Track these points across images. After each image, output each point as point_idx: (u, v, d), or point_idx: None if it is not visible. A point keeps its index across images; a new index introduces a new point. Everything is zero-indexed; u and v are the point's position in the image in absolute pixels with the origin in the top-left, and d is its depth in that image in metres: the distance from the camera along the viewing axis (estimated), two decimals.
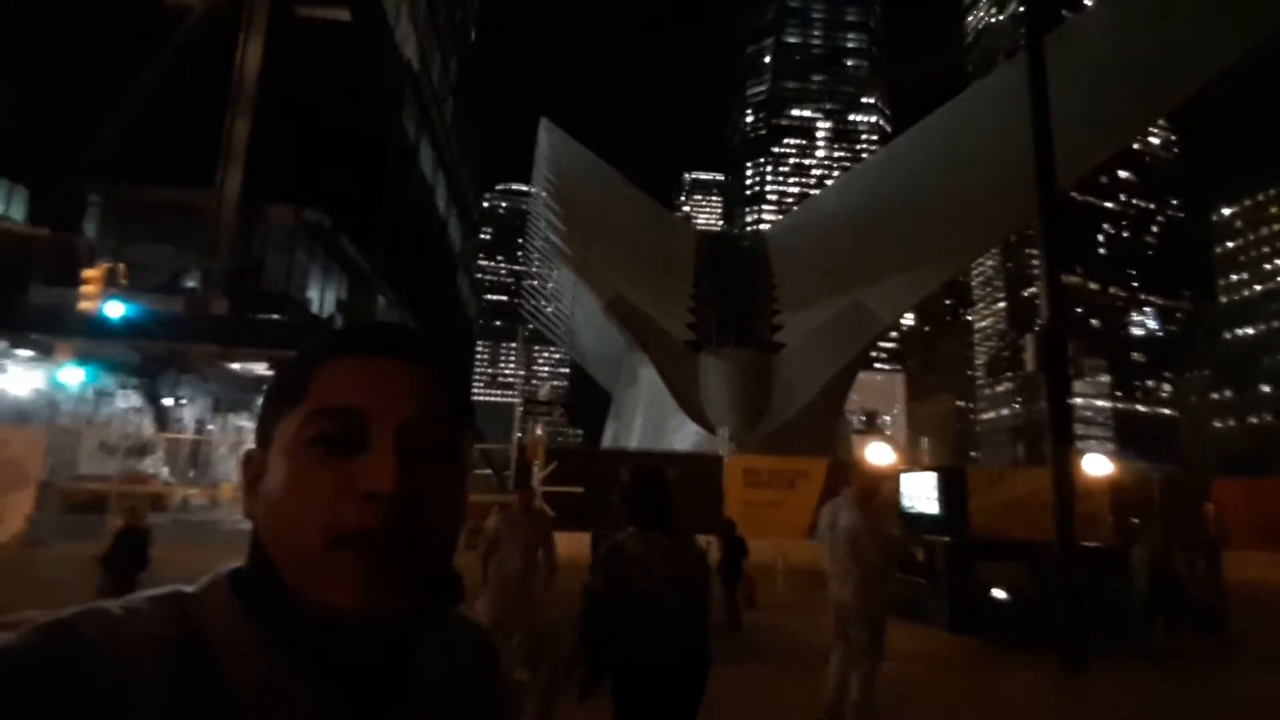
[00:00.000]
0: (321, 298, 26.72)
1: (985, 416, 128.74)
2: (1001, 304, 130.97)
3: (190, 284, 22.20)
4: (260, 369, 21.34)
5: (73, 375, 14.09)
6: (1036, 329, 8.62)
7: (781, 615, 9.19)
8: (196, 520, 15.73)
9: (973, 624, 7.99)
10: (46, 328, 16.90)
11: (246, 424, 25.23)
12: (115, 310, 11.80)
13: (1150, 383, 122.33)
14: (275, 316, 22.41)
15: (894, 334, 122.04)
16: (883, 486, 5.46)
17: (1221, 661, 7.62)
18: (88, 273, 11.60)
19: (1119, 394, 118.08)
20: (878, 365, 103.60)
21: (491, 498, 11.83)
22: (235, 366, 21.44)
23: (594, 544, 6.58)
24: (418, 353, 0.63)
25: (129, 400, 21.36)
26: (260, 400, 0.69)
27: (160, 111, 20.70)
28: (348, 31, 25.06)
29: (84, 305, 11.55)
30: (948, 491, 9.21)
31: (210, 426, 24.92)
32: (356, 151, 26.45)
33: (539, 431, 11.59)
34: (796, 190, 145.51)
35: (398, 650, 0.60)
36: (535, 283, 44.87)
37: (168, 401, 21.92)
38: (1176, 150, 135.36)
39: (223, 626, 0.55)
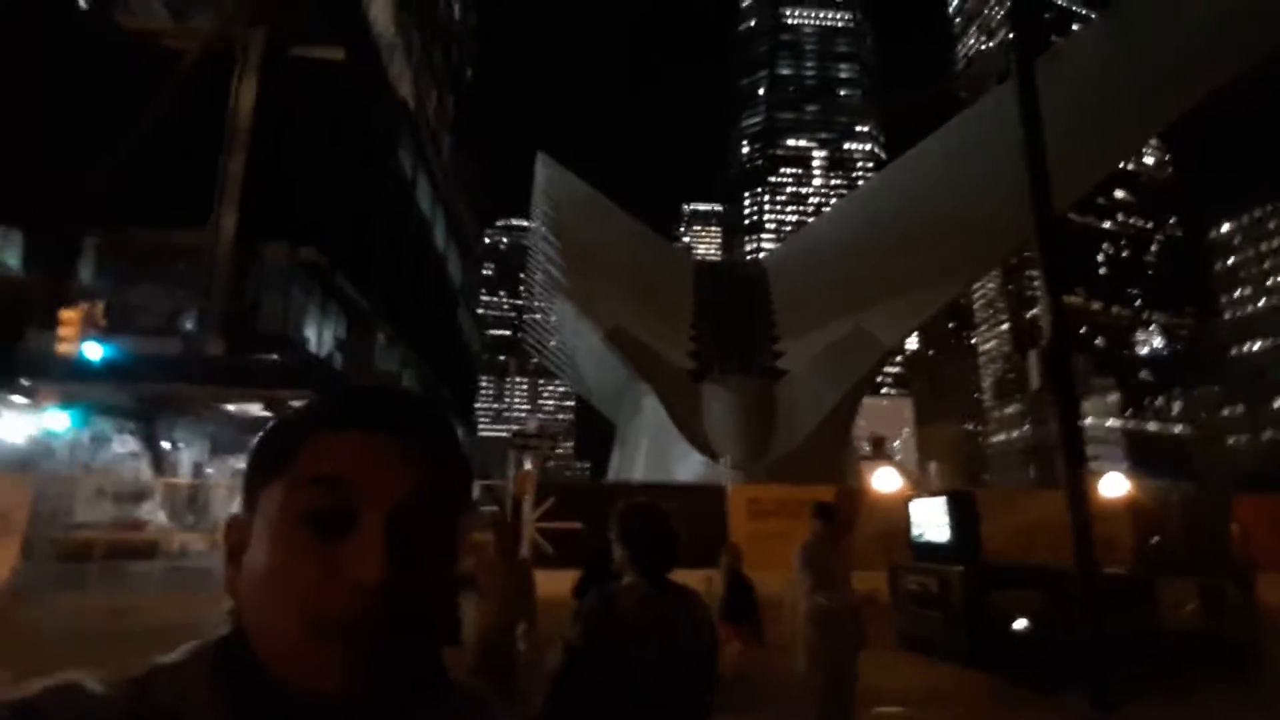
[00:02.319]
0: (319, 336, 26.55)
1: (995, 439, 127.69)
2: (1005, 326, 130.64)
3: (188, 325, 22.09)
4: (257, 409, 21.11)
5: (58, 420, 13.83)
6: (1040, 345, 8.34)
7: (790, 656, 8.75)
8: (192, 567, 15.36)
9: (992, 658, 7.56)
10: (38, 373, 16.73)
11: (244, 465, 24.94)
12: (94, 352, 11.59)
13: (1160, 400, 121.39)
14: (273, 357, 22.24)
15: (899, 359, 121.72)
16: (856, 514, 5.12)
17: (1262, 700, 7.02)
18: (65, 314, 11.43)
19: (1129, 413, 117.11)
20: (884, 390, 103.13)
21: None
22: (231, 408, 21.21)
23: (579, 587, 6.03)
24: (413, 424, 0.61)
25: (126, 445, 21.11)
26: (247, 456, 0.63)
27: (155, 153, 20.75)
28: (342, 71, 25.24)
29: (62, 348, 11.35)
30: (958, 517, 8.81)
31: (208, 469, 24.62)
32: (352, 189, 26.51)
33: (527, 466, 11.27)
34: (795, 218, 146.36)
35: None
36: (537, 316, 44.82)
37: (165, 445, 21.66)
38: (1170, 168, 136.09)
39: (198, 705, 0.53)
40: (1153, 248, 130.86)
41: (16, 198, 20.34)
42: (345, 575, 0.53)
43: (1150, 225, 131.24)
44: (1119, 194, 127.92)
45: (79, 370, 14.48)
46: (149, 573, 12.98)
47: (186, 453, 22.92)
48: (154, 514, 17.32)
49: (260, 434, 0.64)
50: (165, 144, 20.93)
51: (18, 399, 17.88)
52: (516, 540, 5.11)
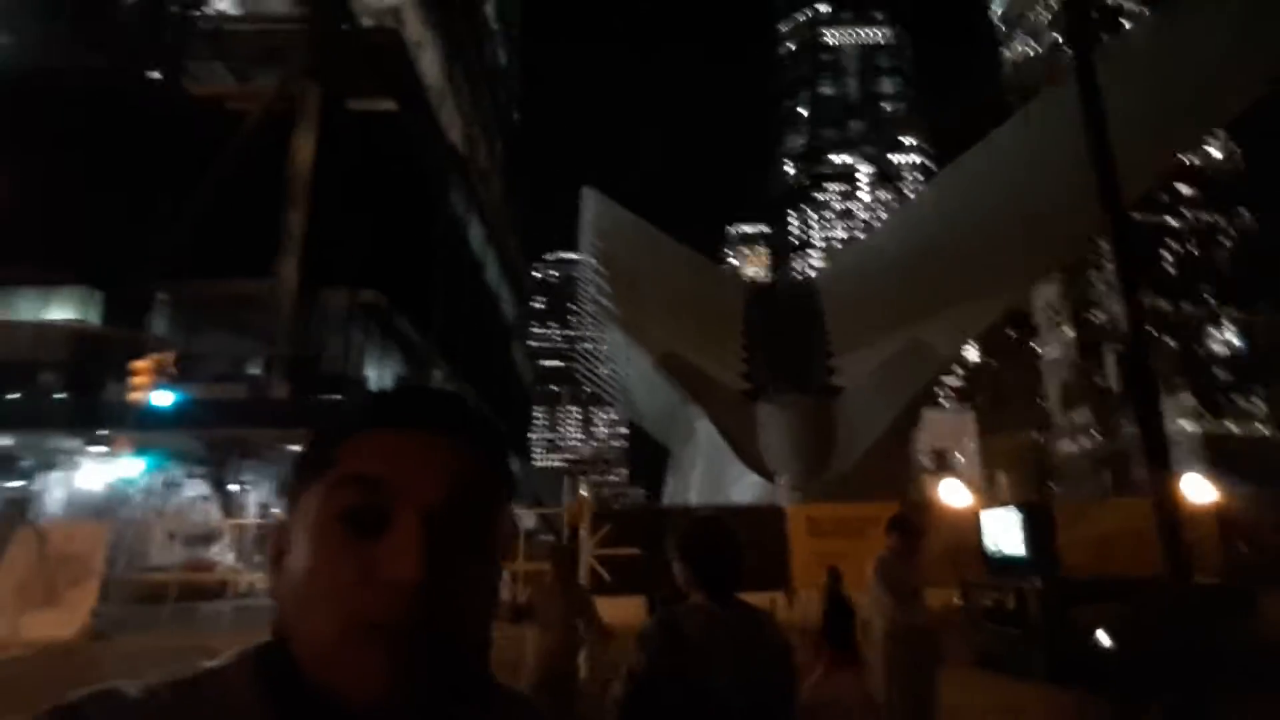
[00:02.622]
0: (379, 376, 27.29)
1: (1063, 448, 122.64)
2: (1068, 330, 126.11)
3: (253, 370, 22.95)
4: None
5: (134, 467, 14.45)
6: (1112, 350, 7.95)
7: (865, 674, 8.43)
8: (260, 605, 15.77)
9: (1073, 676, 7.14)
10: (115, 423, 17.56)
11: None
12: (164, 399, 12.10)
13: (1239, 400, 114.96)
14: (336, 397, 22.90)
15: (960, 370, 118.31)
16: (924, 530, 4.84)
17: None
18: (136, 364, 11.99)
19: (1204, 414, 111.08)
20: (944, 403, 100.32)
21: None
22: (296, 448, 21.82)
23: (650, 611, 5.91)
24: (454, 425, 0.60)
25: (196, 488, 21.90)
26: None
27: (221, 209, 21.80)
28: (395, 121, 26.20)
29: (134, 396, 11.89)
30: (1033, 529, 8.43)
31: (274, 510, 25.35)
32: (407, 233, 27.35)
33: (583, 493, 11.24)
34: (844, 235, 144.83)
35: None
36: (588, 345, 45.15)
37: (233, 487, 22.39)
38: (1240, 159, 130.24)
39: (241, 709, 0.53)
40: (1223, 241, 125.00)
41: (96, 259, 21.60)
42: (382, 575, 0.53)
43: (1219, 219, 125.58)
44: (1184, 189, 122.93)
45: (151, 418, 15.16)
46: (219, 612, 13.35)
47: (254, 494, 23.65)
48: (223, 555, 17.88)
49: (305, 442, 0.64)
50: (230, 199, 22.00)
51: (96, 449, 18.74)
52: (574, 567, 5.05)
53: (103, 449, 18.52)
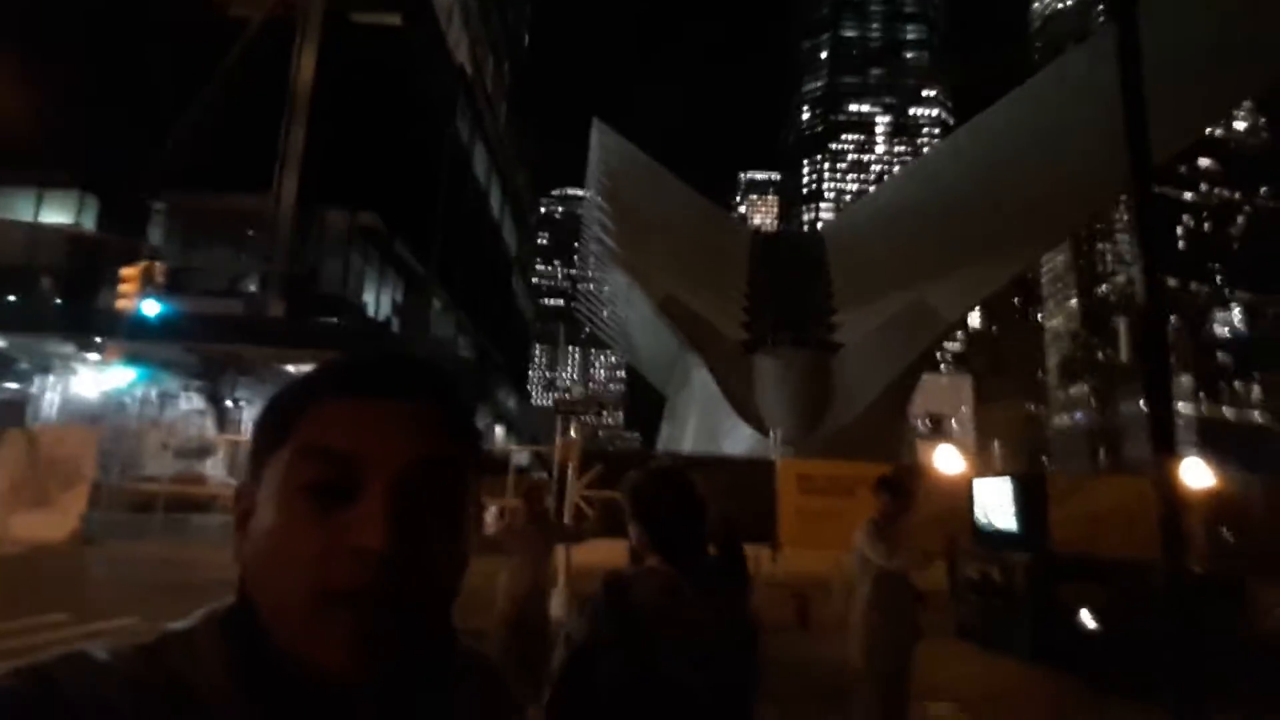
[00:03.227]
0: (377, 301, 27.01)
1: (1057, 421, 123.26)
2: (1073, 302, 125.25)
3: (250, 287, 22.67)
4: None
5: (123, 376, 14.32)
6: (1123, 322, 7.73)
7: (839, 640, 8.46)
8: None
9: (1057, 655, 7.14)
10: (111, 331, 17.38)
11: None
12: (151, 309, 11.88)
13: (1238, 385, 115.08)
14: (332, 319, 22.70)
15: (960, 335, 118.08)
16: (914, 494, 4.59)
17: None
18: (124, 271, 11.73)
19: (1202, 397, 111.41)
20: (943, 367, 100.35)
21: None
22: (291, 369, 21.72)
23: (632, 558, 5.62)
24: (418, 390, 0.60)
25: (191, 402, 21.88)
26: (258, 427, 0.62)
27: (221, 120, 21.17)
28: (400, 36, 25.26)
29: (121, 304, 11.67)
30: (1026, 502, 8.34)
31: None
32: (410, 156, 26.68)
33: (572, 433, 11.17)
34: (855, 187, 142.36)
35: (390, 706, 0.57)
36: (590, 286, 44.74)
37: (228, 403, 22.37)
38: (1265, 134, 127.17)
39: (207, 673, 0.54)
40: (1239, 220, 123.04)
41: (94, 165, 21.11)
42: (350, 543, 0.52)
43: (1238, 196, 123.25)
44: (1204, 162, 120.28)
45: (143, 328, 14.98)
46: (208, 525, 13.40)
47: (248, 411, 23.67)
48: (215, 469, 17.96)
49: (268, 402, 0.62)
50: (231, 111, 21.33)
51: (91, 356, 18.62)
52: (545, 504, 5.05)
53: (96, 356, 18.41)
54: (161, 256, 19.50)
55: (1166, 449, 6.20)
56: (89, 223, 21.99)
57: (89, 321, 18.43)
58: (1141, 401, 6.89)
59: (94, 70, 21.08)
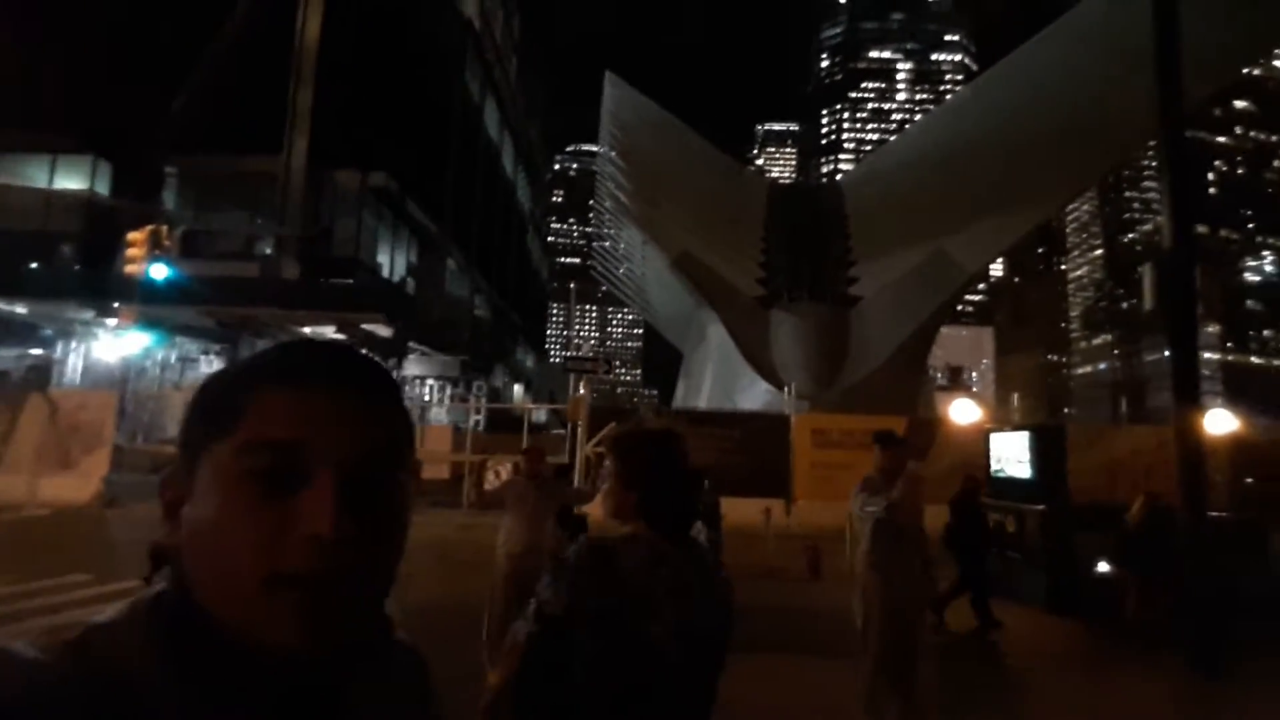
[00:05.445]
0: (391, 261, 26.97)
1: (1080, 371, 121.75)
2: (1099, 251, 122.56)
3: (265, 250, 22.70)
4: (330, 331, 21.70)
5: (139, 341, 14.44)
6: (1150, 269, 7.51)
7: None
8: None
9: (1073, 604, 7.08)
10: (130, 297, 17.54)
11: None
12: (159, 272, 11.89)
13: (1267, 333, 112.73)
14: (347, 280, 22.73)
15: (982, 286, 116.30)
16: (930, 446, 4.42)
17: None
18: (132, 236, 11.71)
19: (1230, 345, 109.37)
20: (965, 319, 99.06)
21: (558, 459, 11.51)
22: (307, 330, 21.87)
23: (562, 526, 4.75)
24: (356, 379, 0.62)
25: (211, 365, 22.14)
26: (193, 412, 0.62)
27: (230, 81, 20.95)
28: None
29: (129, 269, 11.68)
30: (1043, 453, 8.20)
31: None
32: (420, 114, 26.35)
33: (581, 391, 11.16)
34: (875, 137, 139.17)
35: (328, 683, 0.59)
36: (606, 243, 44.39)
37: None
38: None
39: (140, 664, 0.54)
40: (1275, 164, 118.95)
41: (104, 130, 21.02)
42: (300, 530, 0.54)
43: (1274, 139, 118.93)
44: (1239, 104, 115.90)
45: (161, 293, 15.07)
46: None
47: None
48: None
49: (199, 389, 0.62)
50: (240, 72, 21.10)
51: (111, 321, 18.83)
52: (544, 463, 5.04)
53: (114, 321, 18.62)
54: (175, 221, 19.56)
55: (1190, 398, 6.05)
56: (103, 189, 22.01)
57: (107, 287, 18.58)
58: (1166, 351, 6.69)
59: (101, 34, 20.87)
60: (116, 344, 19.22)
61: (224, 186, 23.35)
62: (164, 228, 12.48)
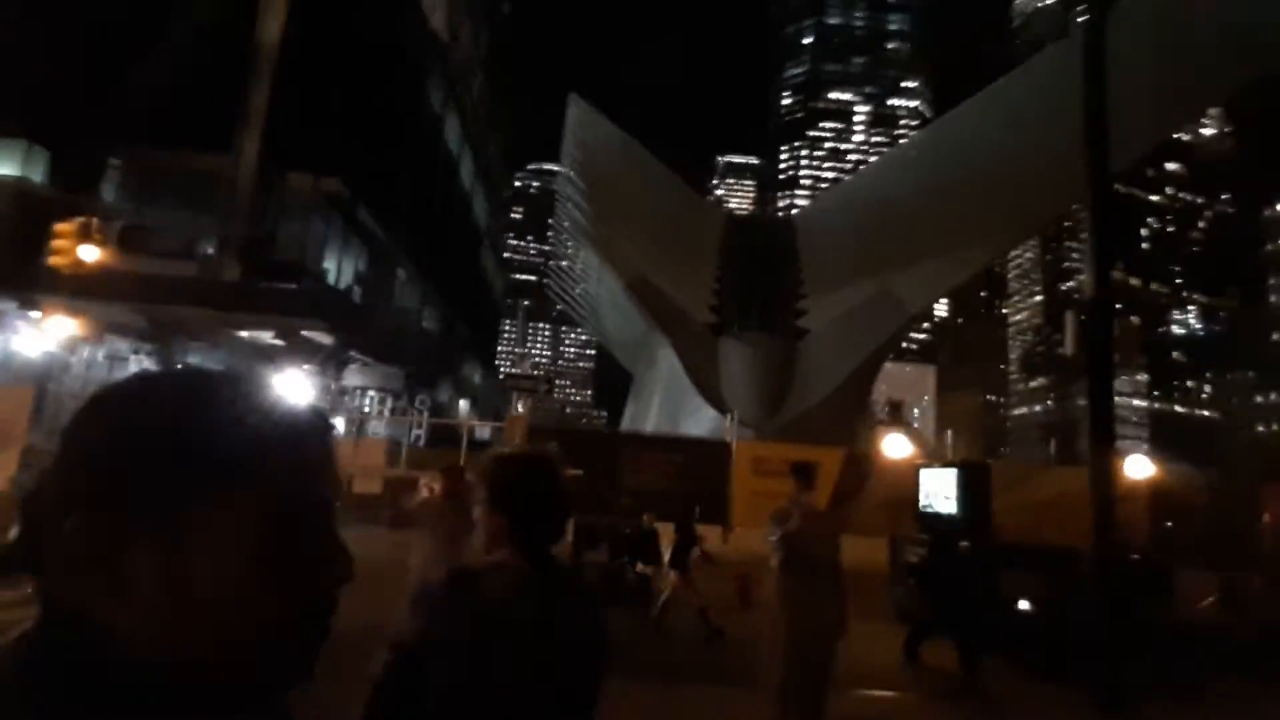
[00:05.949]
0: (339, 268, 26.41)
1: (1017, 412, 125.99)
2: (1038, 297, 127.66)
3: (206, 250, 22.00)
4: (268, 337, 21.09)
5: (62, 334, 13.79)
6: (1074, 318, 7.83)
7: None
8: None
9: (992, 641, 7.21)
10: (59, 290, 16.76)
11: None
12: (86, 262, 11.41)
13: (1190, 383, 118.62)
14: (290, 285, 22.14)
15: (926, 325, 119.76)
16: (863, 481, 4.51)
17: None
18: (60, 227, 11.22)
19: (1156, 394, 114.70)
20: (908, 357, 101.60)
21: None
22: (245, 334, 21.20)
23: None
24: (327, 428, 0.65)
25: (141, 365, 21.26)
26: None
27: (182, 75, 20.38)
28: None
29: (53, 260, 11.19)
30: (969, 490, 8.42)
31: None
32: (378, 122, 26.00)
33: (520, 409, 11.07)
34: (831, 175, 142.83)
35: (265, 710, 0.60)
36: (562, 263, 44.35)
37: (179, 368, 21.82)
38: (1230, 142, 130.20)
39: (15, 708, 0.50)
40: (1200, 224, 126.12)
41: (44, 116, 20.17)
42: (318, 580, 0.57)
43: (1201, 200, 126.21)
44: (1170, 166, 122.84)
45: (91, 287, 14.43)
46: None
47: None
48: None
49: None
50: (194, 65, 20.53)
51: (34, 314, 17.96)
52: (464, 483, 4.94)
53: (38, 314, 17.76)
54: (113, 214, 18.83)
55: (1105, 440, 6.30)
56: (37, 176, 21.09)
57: (35, 279, 17.72)
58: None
59: (45, 14, 20.10)
60: (38, 339, 18.31)
61: (168, 182, 22.60)
62: (95, 220, 11.97)
